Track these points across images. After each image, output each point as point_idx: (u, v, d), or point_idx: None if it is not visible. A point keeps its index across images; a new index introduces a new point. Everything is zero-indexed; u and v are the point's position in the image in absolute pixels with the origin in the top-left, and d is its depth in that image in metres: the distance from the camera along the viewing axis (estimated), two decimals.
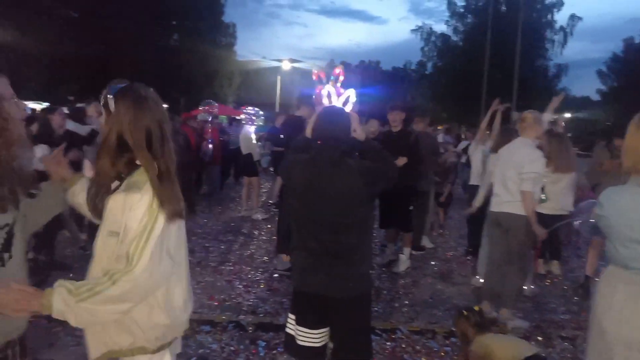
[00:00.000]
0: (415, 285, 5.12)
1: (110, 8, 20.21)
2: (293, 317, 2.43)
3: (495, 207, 4.21)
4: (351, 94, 2.39)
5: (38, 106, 13.19)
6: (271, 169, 10.52)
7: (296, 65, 39.18)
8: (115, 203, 1.55)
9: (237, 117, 12.10)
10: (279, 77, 38.40)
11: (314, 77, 2.55)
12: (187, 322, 1.79)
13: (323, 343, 2.38)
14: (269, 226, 7.44)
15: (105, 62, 19.24)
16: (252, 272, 5.23)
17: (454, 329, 3.92)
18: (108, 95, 1.60)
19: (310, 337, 2.34)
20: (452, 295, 4.84)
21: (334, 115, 2.33)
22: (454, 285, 5.18)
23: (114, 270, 1.49)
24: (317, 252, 2.26)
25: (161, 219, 1.53)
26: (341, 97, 2.39)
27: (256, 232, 7.06)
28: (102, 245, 1.58)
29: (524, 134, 4.14)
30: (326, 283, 2.26)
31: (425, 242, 6.40)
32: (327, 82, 2.45)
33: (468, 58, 30.09)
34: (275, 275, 5.15)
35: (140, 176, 1.57)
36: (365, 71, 52.53)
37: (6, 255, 1.53)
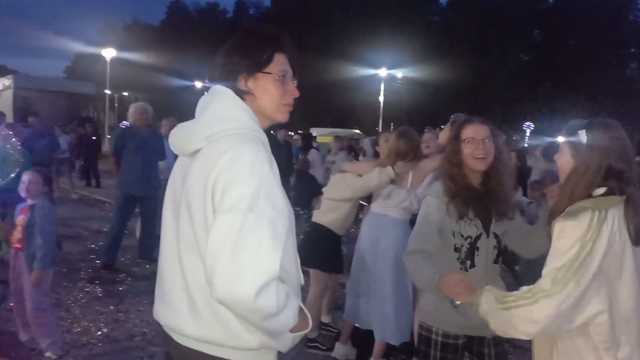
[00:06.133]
0: None
1: (565, 47, 20.22)
2: None
3: None
4: None
5: None
6: None
7: None
8: (555, 227, 1.58)
9: None
10: None
11: None
12: None
13: None
14: None
15: (559, 99, 19.34)
16: None
17: None
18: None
19: None
20: None
21: None
22: None
23: (538, 289, 1.53)
24: None
25: (599, 253, 1.47)
26: None
27: None
28: None
29: None
30: None
31: None
32: None
33: None
34: None
35: (584, 203, 1.55)
36: None
37: (468, 263, 1.97)
